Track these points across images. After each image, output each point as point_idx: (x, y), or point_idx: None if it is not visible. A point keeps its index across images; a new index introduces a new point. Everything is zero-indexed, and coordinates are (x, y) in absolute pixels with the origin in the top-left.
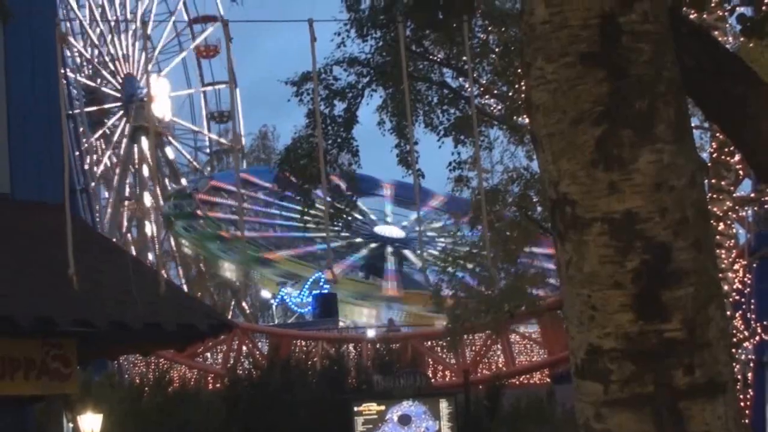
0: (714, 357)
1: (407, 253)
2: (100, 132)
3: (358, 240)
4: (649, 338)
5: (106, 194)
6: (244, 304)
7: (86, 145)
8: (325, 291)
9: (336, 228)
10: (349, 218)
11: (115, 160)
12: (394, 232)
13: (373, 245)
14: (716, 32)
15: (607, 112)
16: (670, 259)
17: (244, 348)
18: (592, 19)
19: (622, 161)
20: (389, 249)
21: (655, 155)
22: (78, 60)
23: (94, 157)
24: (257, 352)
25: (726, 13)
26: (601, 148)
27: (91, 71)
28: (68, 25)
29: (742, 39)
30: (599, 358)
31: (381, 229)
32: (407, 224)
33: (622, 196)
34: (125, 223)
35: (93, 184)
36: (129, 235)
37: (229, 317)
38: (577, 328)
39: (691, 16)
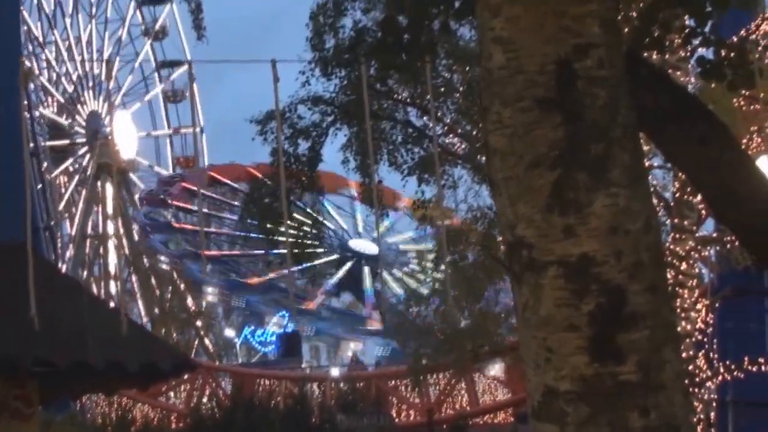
0: (669, 399)
1: (384, 274)
2: (63, 167)
3: (333, 257)
4: (605, 381)
5: (69, 230)
6: (207, 342)
7: (49, 179)
8: (289, 330)
9: (298, 268)
10: (320, 231)
11: (78, 196)
12: (369, 247)
13: (348, 263)
14: (679, 72)
15: (563, 157)
16: (625, 302)
17: (208, 387)
18: (548, 64)
19: (577, 205)
20: (366, 268)
21: (611, 199)
22: (42, 95)
23: (59, 193)
24: (221, 392)
25: (688, 54)
26: (556, 192)
27: (55, 107)
28: (34, 61)
29: None
30: (555, 400)
31: (356, 244)
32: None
33: (578, 239)
34: (88, 261)
35: (53, 222)
36: (91, 272)
37: (193, 356)
38: (533, 370)
39: (654, 56)
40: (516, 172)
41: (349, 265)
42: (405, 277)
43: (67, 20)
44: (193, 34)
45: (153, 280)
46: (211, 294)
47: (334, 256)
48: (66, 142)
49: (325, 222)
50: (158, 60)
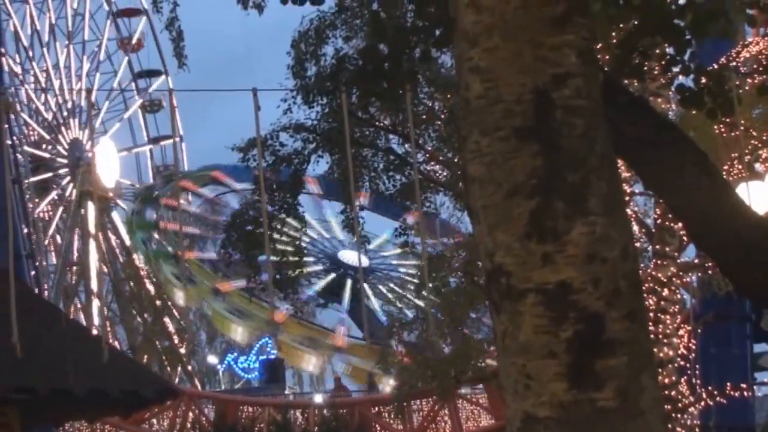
0: (647, 426)
1: (368, 288)
2: (48, 199)
3: (318, 268)
4: (583, 407)
5: (54, 259)
6: (189, 368)
7: (34, 211)
8: (272, 357)
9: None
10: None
11: (62, 225)
12: (357, 259)
13: (333, 275)
14: (659, 100)
15: (541, 185)
16: (603, 330)
17: (191, 414)
18: (526, 94)
19: (555, 233)
20: (349, 282)
21: (588, 227)
22: (25, 129)
23: (41, 224)
24: (204, 419)
25: (668, 81)
26: (535, 220)
27: (36, 138)
28: (14, 93)
29: None
30: (534, 426)
31: (344, 255)
32: (371, 247)
33: (556, 267)
34: (70, 288)
35: (38, 249)
36: (73, 299)
37: (176, 382)
38: (512, 397)
39: (634, 84)
40: (494, 200)
41: (332, 276)
42: (390, 294)
43: (44, 49)
44: (170, 45)
45: (135, 306)
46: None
47: (320, 267)
48: (49, 175)
49: (308, 233)
50: (135, 71)
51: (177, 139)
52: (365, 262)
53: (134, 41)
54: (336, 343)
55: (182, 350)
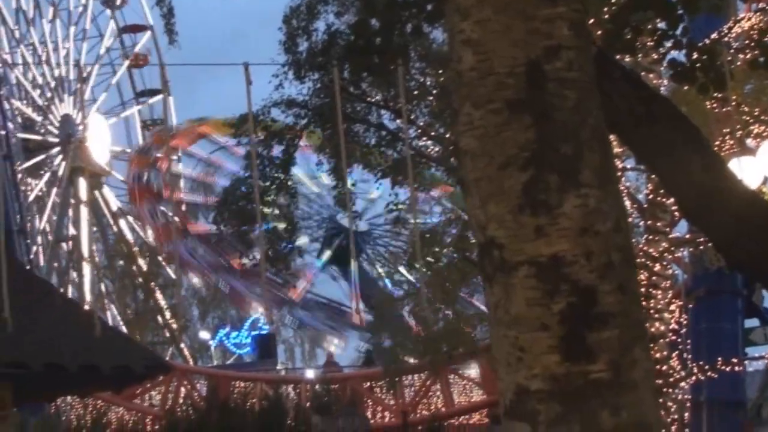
0: (640, 398)
1: (369, 252)
2: (44, 180)
3: (319, 233)
4: (576, 379)
5: (45, 236)
6: (182, 344)
7: (27, 189)
8: (264, 332)
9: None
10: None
11: (55, 200)
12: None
13: (336, 241)
14: (651, 75)
15: (534, 158)
16: (595, 302)
17: (183, 390)
18: (518, 66)
19: (548, 206)
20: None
21: (581, 200)
22: (17, 91)
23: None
24: (196, 394)
25: (660, 57)
26: (527, 192)
27: (25, 119)
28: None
29: None
30: (527, 399)
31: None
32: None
33: (549, 239)
34: (61, 264)
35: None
36: (65, 275)
37: (168, 358)
38: (505, 369)
39: (626, 59)
40: (487, 173)
41: (336, 242)
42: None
43: (30, 26)
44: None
45: (128, 282)
46: (196, 276)
47: (320, 231)
48: (42, 157)
49: (305, 192)
50: (120, 26)
51: (166, 95)
52: (363, 227)
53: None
54: (354, 321)
55: (174, 326)
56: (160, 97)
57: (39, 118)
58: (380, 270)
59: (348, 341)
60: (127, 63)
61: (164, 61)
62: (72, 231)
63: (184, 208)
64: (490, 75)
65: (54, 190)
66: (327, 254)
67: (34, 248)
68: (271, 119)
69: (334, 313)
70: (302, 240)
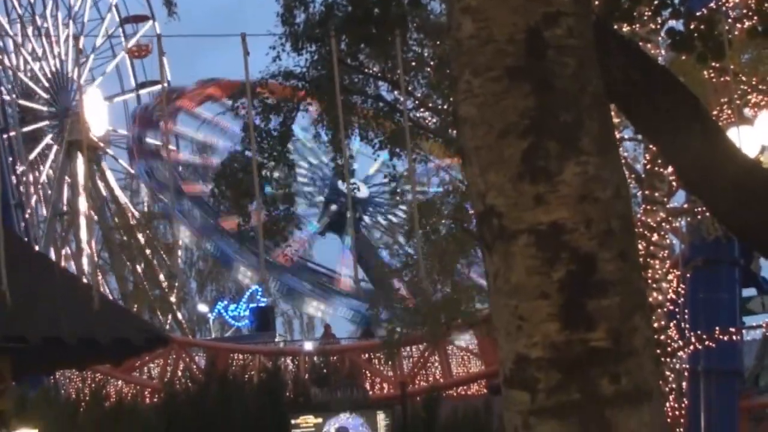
0: (640, 365)
1: (368, 219)
2: (38, 150)
3: (319, 198)
4: (576, 347)
5: (44, 211)
6: (180, 316)
7: (22, 166)
8: (263, 304)
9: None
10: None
11: (51, 174)
12: (360, 188)
13: (334, 206)
14: (649, 45)
15: (533, 126)
16: (595, 270)
17: (181, 362)
18: (517, 33)
19: (548, 173)
20: (348, 214)
21: (581, 167)
22: (11, 77)
23: (31, 176)
24: (194, 366)
25: (658, 26)
26: (527, 160)
27: (23, 89)
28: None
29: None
30: (527, 367)
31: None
32: (369, 175)
33: (549, 207)
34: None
35: (32, 199)
36: (63, 248)
37: (167, 331)
38: (505, 338)
39: (624, 29)
40: (486, 141)
41: (333, 207)
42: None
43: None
44: None
45: (126, 254)
46: (186, 236)
47: (319, 198)
48: (40, 124)
49: (307, 158)
50: (122, 17)
51: (165, 85)
52: (364, 193)
53: None
54: (342, 286)
55: (173, 298)
56: (156, 88)
57: (38, 89)
58: (378, 240)
59: (336, 308)
60: (124, 52)
61: (164, 51)
62: (70, 206)
63: (180, 168)
64: (490, 42)
65: (49, 160)
66: (324, 221)
67: (34, 222)
68: (269, 91)
69: (323, 278)
70: (300, 206)
